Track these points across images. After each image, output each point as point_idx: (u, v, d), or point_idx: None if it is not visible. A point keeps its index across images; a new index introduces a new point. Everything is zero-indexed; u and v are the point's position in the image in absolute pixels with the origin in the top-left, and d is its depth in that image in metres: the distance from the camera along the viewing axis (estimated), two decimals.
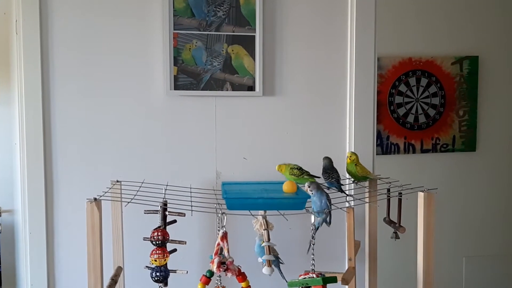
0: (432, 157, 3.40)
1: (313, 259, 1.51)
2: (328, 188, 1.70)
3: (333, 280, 1.47)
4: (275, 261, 1.70)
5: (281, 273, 1.69)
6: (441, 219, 3.30)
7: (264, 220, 1.64)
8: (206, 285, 1.55)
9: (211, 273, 1.53)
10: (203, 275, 1.54)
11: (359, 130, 2.00)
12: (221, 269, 1.48)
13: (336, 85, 2.01)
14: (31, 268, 1.83)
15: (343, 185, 1.74)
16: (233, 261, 1.51)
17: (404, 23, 3.28)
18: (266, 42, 1.94)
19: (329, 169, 1.71)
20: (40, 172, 1.82)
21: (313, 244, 1.50)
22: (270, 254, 1.61)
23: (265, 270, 1.60)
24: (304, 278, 1.46)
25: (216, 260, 1.47)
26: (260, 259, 1.64)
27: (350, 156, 1.80)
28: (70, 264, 1.86)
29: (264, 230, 1.64)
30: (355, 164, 1.80)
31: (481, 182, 3.47)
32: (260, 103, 1.96)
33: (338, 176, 1.71)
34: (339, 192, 1.71)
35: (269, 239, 1.62)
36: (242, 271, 1.54)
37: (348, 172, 1.86)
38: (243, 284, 1.55)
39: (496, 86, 3.44)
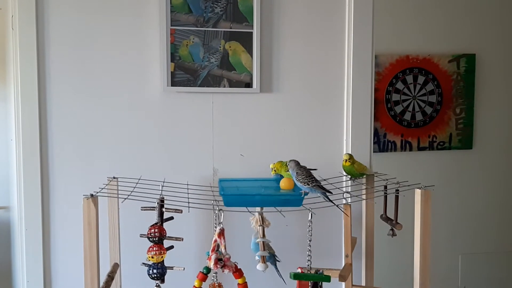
0: (428, 154, 3.41)
1: (309, 254, 1.51)
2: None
3: (327, 279, 1.47)
4: (272, 259, 1.69)
5: (277, 270, 1.69)
6: (438, 216, 3.30)
7: (260, 216, 1.64)
8: (203, 282, 1.55)
9: (208, 270, 1.53)
10: (200, 271, 1.54)
11: (357, 127, 2.00)
12: (218, 266, 1.48)
13: (333, 82, 2.01)
14: (27, 265, 1.83)
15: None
16: (230, 257, 1.51)
17: (401, 21, 3.28)
18: (263, 39, 1.93)
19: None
20: (36, 168, 1.81)
21: (310, 241, 1.50)
22: (264, 250, 1.61)
23: (259, 266, 1.60)
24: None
25: (213, 256, 1.47)
26: (256, 256, 1.64)
27: (349, 159, 1.80)
28: (67, 261, 1.86)
29: (259, 226, 1.64)
30: (352, 164, 1.81)
31: (477, 180, 3.48)
32: (258, 100, 1.96)
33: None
34: (337, 188, 1.71)
35: (264, 236, 1.62)
36: (238, 267, 1.54)
37: (345, 171, 1.86)
38: (239, 280, 1.55)
39: (493, 84, 3.45)
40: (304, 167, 1.61)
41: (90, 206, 1.42)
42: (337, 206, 1.55)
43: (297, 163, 1.61)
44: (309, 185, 1.54)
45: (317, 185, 1.54)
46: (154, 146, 1.90)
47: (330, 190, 1.57)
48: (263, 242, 1.62)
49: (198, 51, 1.88)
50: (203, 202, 1.56)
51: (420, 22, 3.31)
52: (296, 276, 1.45)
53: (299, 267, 1.50)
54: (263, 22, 1.93)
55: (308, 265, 1.50)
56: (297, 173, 1.59)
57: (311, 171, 1.63)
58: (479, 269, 3.54)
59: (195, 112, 1.92)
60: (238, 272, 1.53)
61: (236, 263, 1.54)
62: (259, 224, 1.64)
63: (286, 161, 1.73)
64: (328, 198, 1.55)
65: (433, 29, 3.33)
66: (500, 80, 3.47)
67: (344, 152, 2.01)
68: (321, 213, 1.56)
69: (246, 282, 1.56)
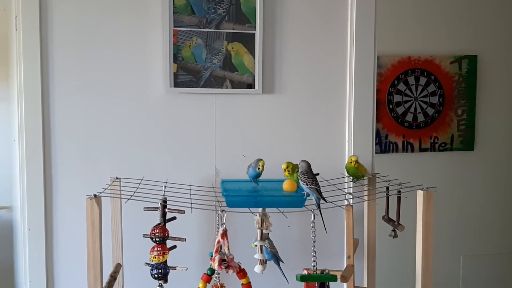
0: (430, 156, 3.41)
1: (314, 255, 1.51)
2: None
3: (333, 278, 1.47)
4: (274, 258, 1.69)
5: (281, 269, 1.69)
6: (439, 218, 3.29)
7: (259, 218, 1.64)
8: (207, 283, 1.55)
9: (212, 271, 1.54)
10: (204, 273, 1.54)
11: (358, 128, 2.00)
12: (222, 267, 1.48)
13: (335, 84, 2.02)
14: (30, 265, 1.83)
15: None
16: (233, 258, 1.51)
17: (403, 22, 3.29)
18: (266, 40, 1.94)
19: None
20: (39, 168, 1.82)
21: (314, 242, 1.50)
22: (261, 253, 1.62)
23: (257, 268, 1.62)
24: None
25: (217, 257, 1.48)
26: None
27: (357, 161, 1.80)
28: (69, 261, 1.86)
29: (258, 228, 1.64)
30: (357, 166, 1.81)
31: (479, 181, 3.48)
32: (260, 101, 1.96)
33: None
34: (339, 189, 1.71)
35: (261, 238, 1.62)
36: (242, 267, 1.55)
37: (348, 173, 1.86)
38: (243, 280, 1.55)
39: (494, 86, 3.45)
40: (311, 170, 1.61)
41: (93, 207, 1.43)
42: (322, 219, 1.54)
43: (307, 164, 1.61)
44: (307, 185, 1.55)
45: (315, 188, 1.54)
46: (156, 147, 1.91)
47: (327, 198, 1.56)
48: (260, 245, 1.63)
49: (201, 52, 1.88)
50: (206, 203, 1.57)
51: (422, 23, 3.31)
52: (303, 278, 1.45)
53: (305, 269, 1.50)
54: (266, 24, 1.93)
55: (314, 266, 1.50)
56: (301, 171, 1.59)
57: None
58: (481, 270, 3.54)
59: (198, 113, 1.93)
60: (242, 272, 1.54)
61: (239, 263, 1.55)
62: (258, 226, 1.64)
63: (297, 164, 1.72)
64: (318, 205, 1.54)
65: (435, 30, 3.33)
66: (502, 82, 3.47)
67: (346, 153, 2.01)
68: (323, 214, 1.56)
69: (250, 282, 1.56)
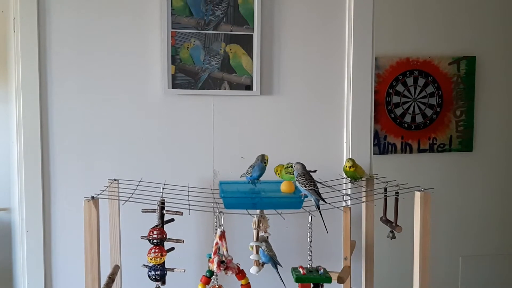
0: (429, 157, 3.41)
1: (310, 254, 1.51)
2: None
3: (328, 280, 1.47)
4: (271, 261, 1.70)
5: (278, 273, 1.69)
6: (438, 218, 3.31)
7: (257, 219, 1.64)
8: (206, 285, 1.55)
9: (211, 273, 1.53)
10: (203, 275, 1.54)
11: (357, 129, 2.00)
12: (221, 268, 1.48)
13: (333, 85, 2.02)
14: (28, 267, 1.83)
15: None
16: (232, 259, 1.51)
17: (401, 23, 3.29)
18: (264, 42, 1.94)
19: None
20: (38, 170, 1.82)
21: (310, 242, 1.50)
22: (257, 253, 1.62)
23: (252, 269, 1.62)
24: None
25: (215, 259, 1.48)
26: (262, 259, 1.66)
27: (352, 165, 1.80)
28: (67, 263, 1.86)
29: (254, 229, 1.64)
30: (355, 169, 1.81)
31: (477, 182, 3.48)
32: (258, 102, 1.96)
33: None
34: (337, 191, 1.71)
35: (257, 239, 1.63)
36: (241, 268, 1.55)
37: (346, 175, 1.86)
38: (242, 281, 1.55)
39: (493, 87, 3.45)
40: (308, 171, 1.61)
41: (91, 208, 1.43)
42: (323, 220, 1.54)
43: (302, 166, 1.62)
44: (305, 187, 1.55)
45: (314, 189, 1.54)
46: (155, 149, 1.91)
47: (325, 199, 1.56)
48: (256, 245, 1.63)
49: (199, 53, 1.88)
50: (204, 205, 1.57)
51: (420, 24, 3.31)
52: (298, 279, 1.45)
53: (300, 266, 1.50)
54: (264, 25, 1.93)
55: (309, 265, 1.50)
56: (298, 174, 1.59)
57: (311, 174, 1.63)
58: (480, 271, 3.54)
59: (196, 114, 1.93)
60: (241, 273, 1.54)
61: (238, 264, 1.55)
62: (254, 227, 1.65)
63: (286, 164, 1.73)
64: (318, 206, 1.55)
65: (433, 31, 3.34)
66: (500, 83, 3.47)
67: (344, 154, 2.01)
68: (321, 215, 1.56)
69: (249, 283, 1.57)
